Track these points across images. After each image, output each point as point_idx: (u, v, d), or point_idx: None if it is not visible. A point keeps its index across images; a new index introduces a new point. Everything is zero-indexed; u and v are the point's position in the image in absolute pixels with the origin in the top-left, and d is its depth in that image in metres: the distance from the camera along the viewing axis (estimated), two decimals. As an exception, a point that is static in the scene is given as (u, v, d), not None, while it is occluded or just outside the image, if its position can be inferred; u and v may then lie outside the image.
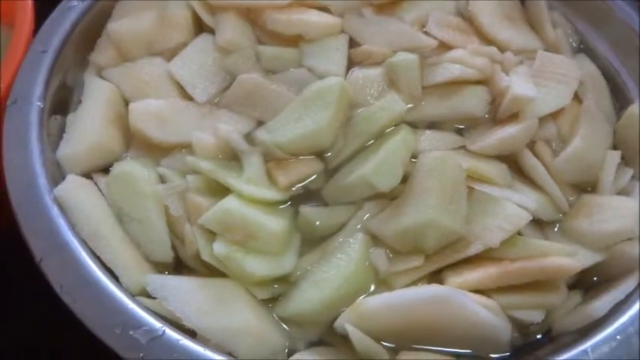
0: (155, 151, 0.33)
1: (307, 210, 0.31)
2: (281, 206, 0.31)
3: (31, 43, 0.34)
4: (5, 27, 0.41)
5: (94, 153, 0.31)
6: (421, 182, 0.30)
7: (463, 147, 0.33)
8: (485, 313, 0.25)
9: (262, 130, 0.33)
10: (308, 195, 0.32)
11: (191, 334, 0.25)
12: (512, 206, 0.29)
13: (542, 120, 0.33)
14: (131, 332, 0.23)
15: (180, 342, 0.24)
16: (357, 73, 0.35)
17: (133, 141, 0.33)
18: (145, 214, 0.29)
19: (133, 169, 0.31)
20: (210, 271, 0.29)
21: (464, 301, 0.25)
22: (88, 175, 0.31)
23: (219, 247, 0.27)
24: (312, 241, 0.31)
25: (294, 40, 0.37)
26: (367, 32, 0.37)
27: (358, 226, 0.30)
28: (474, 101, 0.34)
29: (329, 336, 0.28)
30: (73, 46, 0.35)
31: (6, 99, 0.31)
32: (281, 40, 0.37)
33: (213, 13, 0.37)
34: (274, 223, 0.29)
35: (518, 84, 0.33)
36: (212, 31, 0.37)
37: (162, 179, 0.31)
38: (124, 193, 0.30)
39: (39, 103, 0.31)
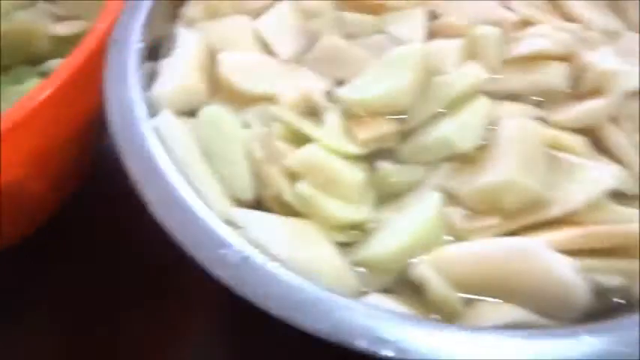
0: (239, 100, 0.34)
1: (384, 166, 0.32)
2: (358, 161, 0.32)
3: (131, -7, 0.36)
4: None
5: (183, 94, 0.33)
6: (501, 146, 0.30)
7: (542, 118, 0.33)
8: (565, 271, 0.25)
9: (344, 88, 0.34)
10: (384, 153, 0.33)
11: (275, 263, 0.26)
12: (594, 171, 0.29)
13: (626, 97, 0.33)
14: (221, 251, 0.24)
15: (268, 266, 0.24)
16: (438, 43, 0.36)
17: (218, 91, 0.35)
18: (231, 155, 0.31)
19: (222, 112, 0.32)
20: (288, 213, 0.29)
21: (545, 255, 0.25)
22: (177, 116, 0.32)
23: (302, 187, 0.28)
24: (387, 197, 0.31)
25: (375, 9, 0.38)
26: (448, 5, 0.38)
27: (434, 185, 0.31)
28: (555, 75, 0.34)
29: (399, 286, 0.28)
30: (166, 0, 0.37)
31: (106, 39, 0.34)
32: (361, 9, 0.38)
33: (299, -22, 0.38)
34: (354, 172, 0.30)
35: (603, 59, 0.33)
36: (297, -4, 0.38)
37: (246, 126, 0.32)
38: (212, 133, 0.31)
39: (138, 44, 0.33)
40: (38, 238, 0.38)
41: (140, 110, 0.30)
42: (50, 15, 0.44)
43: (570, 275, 0.26)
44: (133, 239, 0.36)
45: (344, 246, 0.29)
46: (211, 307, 0.36)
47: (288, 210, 0.30)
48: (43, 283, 0.40)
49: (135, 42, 0.33)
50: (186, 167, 0.29)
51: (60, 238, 0.39)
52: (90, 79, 0.33)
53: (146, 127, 0.29)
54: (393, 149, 0.33)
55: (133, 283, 0.38)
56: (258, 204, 0.30)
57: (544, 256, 0.25)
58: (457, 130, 0.31)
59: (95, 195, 0.39)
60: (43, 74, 0.40)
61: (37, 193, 0.35)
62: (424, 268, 0.26)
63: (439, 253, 0.27)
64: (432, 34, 0.37)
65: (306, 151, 0.29)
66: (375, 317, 0.23)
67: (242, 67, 0.34)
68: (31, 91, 0.34)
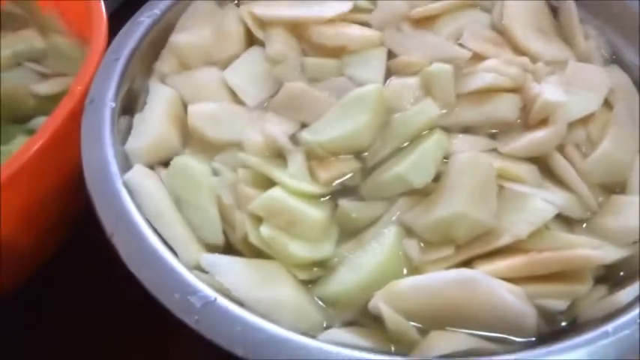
0: (209, 148, 0.36)
1: (345, 203, 0.33)
2: (321, 200, 0.34)
3: (106, 52, 0.39)
4: (81, 43, 0.47)
5: (156, 147, 0.35)
6: (453, 179, 0.32)
7: (495, 149, 0.35)
8: (511, 297, 0.27)
9: (306, 131, 0.36)
10: (346, 191, 0.35)
11: (239, 305, 0.28)
12: (539, 201, 0.30)
13: (572, 125, 0.35)
14: (188, 297, 0.26)
15: (231, 308, 0.26)
16: (395, 81, 0.38)
17: (190, 140, 0.37)
18: (201, 202, 0.33)
19: (191, 162, 0.34)
20: (256, 254, 0.31)
21: (490, 284, 0.27)
22: (150, 167, 0.35)
23: (265, 230, 0.30)
24: (349, 232, 0.33)
25: (336, 53, 0.40)
26: (405, 45, 0.40)
27: (392, 219, 0.33)
28: (506, 107, 0.36)
29: (362, 317, 0.30)
30: (140, 56, 0.40)
31: (84, 99, 0.36)
32: (324, 52, 0.40)
33: (263, 27, 0.41)
34: (315, 212, 0.32)
35: (548, 90, 0.35)
36: (262, 44, 0.41)
37: (216, 172, 0.35)
38: (183, 182, 0.33)
39: (112, 104, 0.35)
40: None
41: (114, 166, 0.32)
42: (36, 74, 0.47)
43: (516, 301, 0.27)
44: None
45: (308, 283, 0.31)
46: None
47: (256, 252, 0.31)
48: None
49: (110, 100, 0.36)
50: (158, 218, 0.31)
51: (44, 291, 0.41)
52: (71, 137, 0.36)
53: (119, 182, 0.32)
54: (357, 186, 0.35)
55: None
56: (228, 247, 0.32)
57: (490, 285, 0.27)
58: (411, 167, 0.33)
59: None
60: (30, 132, 0.42)
61: (26, 247, 0.38)
62: (379, 302, 0.28)
63: (392, 287, 0.28)
64: (390, 73, 0.39)
65: (267, 196, 0.31)
66: (328, 353, 0.25)
67: (210, 117, 0.37)
68: (17, 151, 0.37)
